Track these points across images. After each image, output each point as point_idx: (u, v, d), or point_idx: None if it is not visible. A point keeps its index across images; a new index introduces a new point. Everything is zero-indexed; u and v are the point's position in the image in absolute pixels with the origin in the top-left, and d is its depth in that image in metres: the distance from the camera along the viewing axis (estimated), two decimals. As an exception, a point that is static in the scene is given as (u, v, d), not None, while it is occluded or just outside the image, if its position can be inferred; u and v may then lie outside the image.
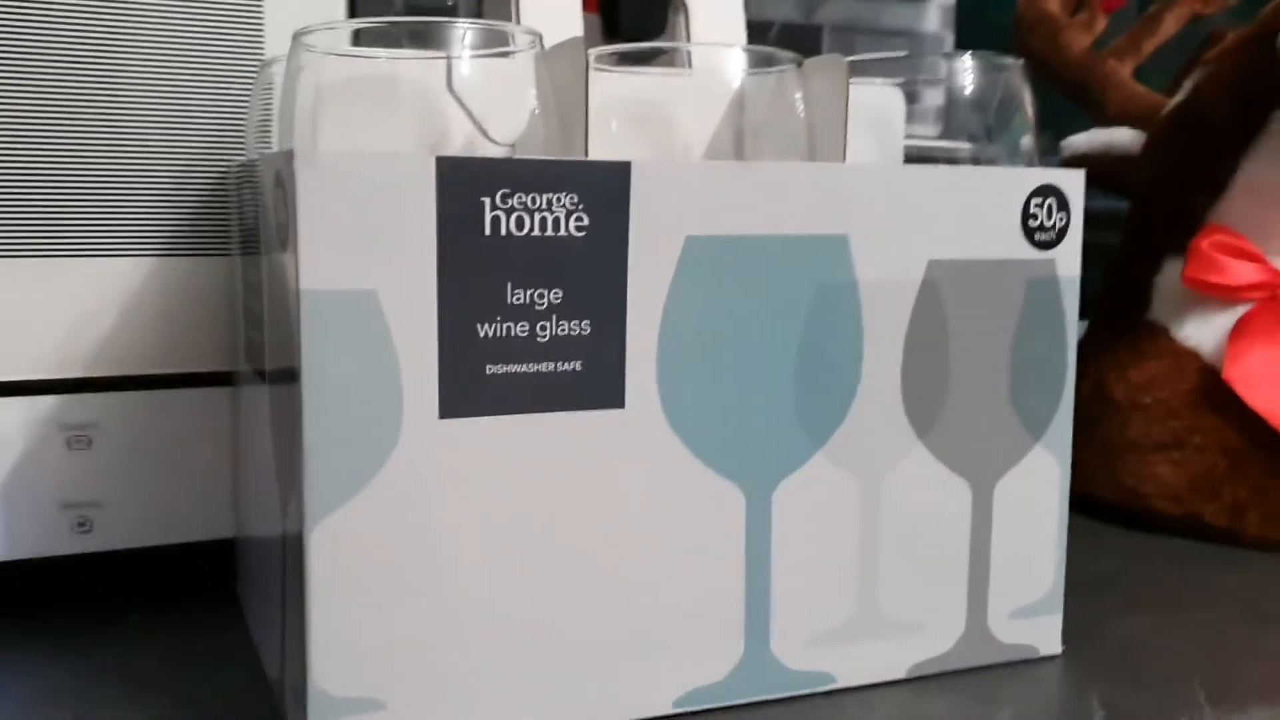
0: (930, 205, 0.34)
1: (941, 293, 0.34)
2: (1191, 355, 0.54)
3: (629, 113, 0.36)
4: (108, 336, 0.40)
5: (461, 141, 0.35)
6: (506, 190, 0.30)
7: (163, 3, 0.39)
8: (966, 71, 0.38)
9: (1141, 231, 0.60)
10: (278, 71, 0.35)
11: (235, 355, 0.40)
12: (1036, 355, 0.36)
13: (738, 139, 0.37)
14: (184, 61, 0.40)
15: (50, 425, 0.40)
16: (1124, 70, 0.64)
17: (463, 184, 0.29)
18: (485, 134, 0.36)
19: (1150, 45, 0.66)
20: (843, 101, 0.34)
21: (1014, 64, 0.38)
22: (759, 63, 0.36)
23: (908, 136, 0.41)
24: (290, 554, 0.30)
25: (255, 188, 0.34)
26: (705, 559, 0.33)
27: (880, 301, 0.34)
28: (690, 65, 0.38)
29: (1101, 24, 0.67)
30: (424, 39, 0.34)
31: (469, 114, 0.36)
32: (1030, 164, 0.38)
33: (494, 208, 0.29)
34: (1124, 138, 0.62)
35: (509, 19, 0.45)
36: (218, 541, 0.42)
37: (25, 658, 0.37)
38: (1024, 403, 0.36)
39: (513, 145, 0.36)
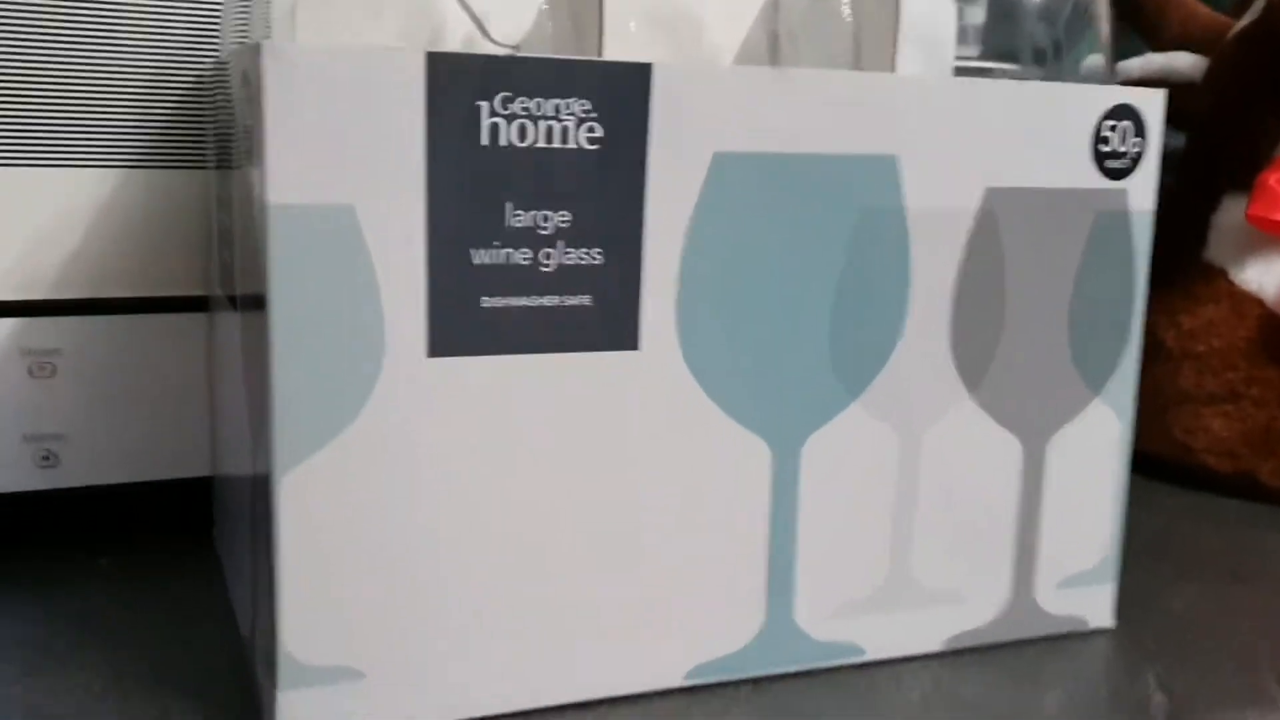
0: (990, 125, 0.30)
1: (999, 224, 0.31)
2: (1252, 300, 0.49)
3: (650, 11, 0.31)
4: (73, 255, 0.37)
5: (458, 41, 0.32)
6: (508, 94, 0.26)
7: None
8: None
9: (1199, 166, 0.55)
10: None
11: (210, 278, 0.36)
12: (1102, 299, 0.32)
13: (773, 45, 0.33)
14: (155, -52, 0.36)
15: (10, 351, 0.36)
16: (1186, -10, 0.60)
17: (457, 85, 0.25)
18: (485, 33, 0.32)
19: (1215, -37, 0.61)
20: (894, 6, 0.30)
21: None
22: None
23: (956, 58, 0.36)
24: (259, 503, 0.27)
25: (227, 91, 0.30)
26: (725, 518, 0.29)
27: (931, 233, 0.30)
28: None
29: (1162, -61, 0.61)
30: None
31: (467, 8, 0.32)
32: (1105, 82, 0.34)
33: (493, 114, 0.26)
34: (1183, 63, 0.58)
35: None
36: (196, 480, 0.39)
37: (-22, 604, 0.34)
38: (1084, 351, 0.32)
39: (516, 47, 0.32)
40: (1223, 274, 0.51)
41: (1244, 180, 0.51)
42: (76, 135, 0.36)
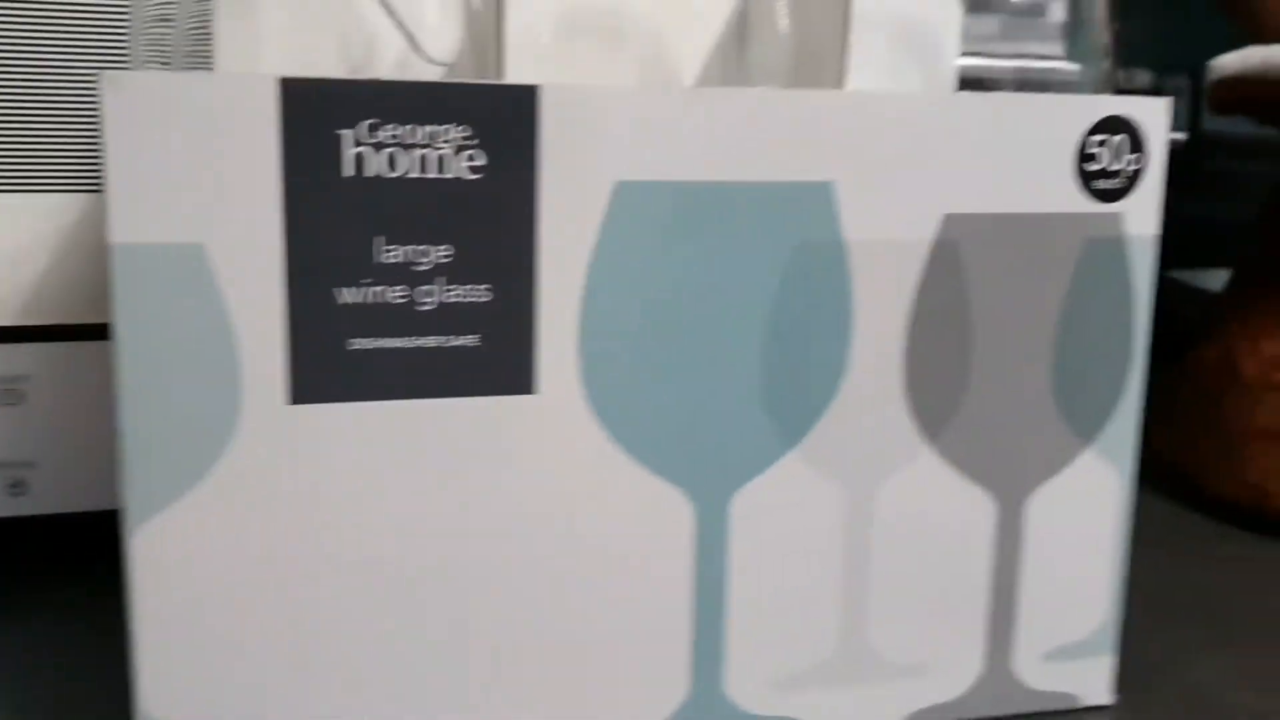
0: (947, 145, 0.26)
1: (962, 256, 0.27)
2: (1344, 326, 0.44)
3: (577, 21, 0.29)
4: (40, 281, 0.36)
5: (392, 60, 0.30)
6: (374, 120, 0.24)
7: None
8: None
9: (1297, 171, 0.49)
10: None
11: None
12: (1092, 335, 0.28)
13: (729, 67, 0.30)
14: (114, -32, 0.35)
15: (-17, 376, 0.36)
16: (1292, -25, 0.53)
17: (315, 113, 0.23)
18: (419, 50, 0.30)
19: (1328, -56, 0.55)
20: (842, 12, 0.27)
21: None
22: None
23: (985, 55, 0.33)
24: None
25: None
26: (641, 581, 0.27)
27: (877, 266, 0.27)
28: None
29: (1268, -81, 0.55)
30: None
31: (400, 25, 0.30)
32: (1099, 91, 0.30)
33: (357, 142, 0.24)
34: (1285, 57, 0.52)
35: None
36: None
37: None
38: (1072, 395, 0.28)
39: (451, 65, 0.30)
40: (1314, 295, 0.45)
41: (1344, 189, 0.45)
42: (42, 160, 0.35)
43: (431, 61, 0.30)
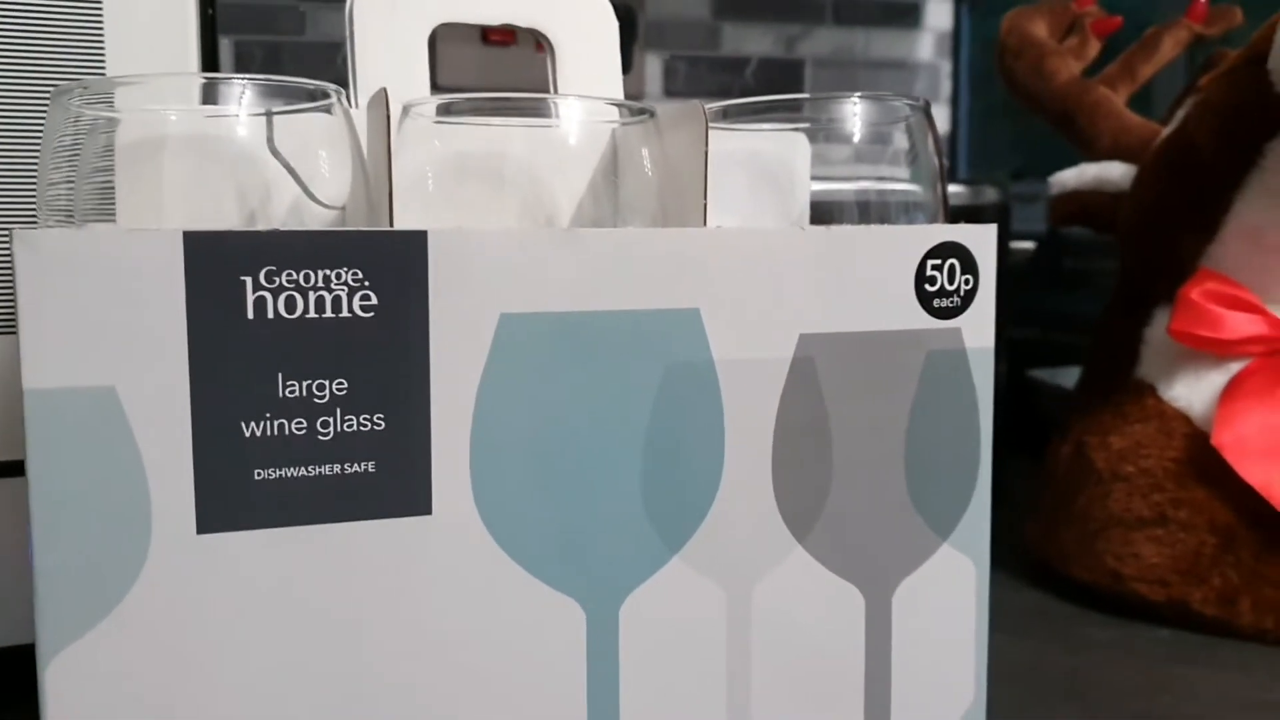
0: (799, 273, 0.29)
1: (818, 371, 0.30)
2: (1180, 418, 0.48)
3: (465, 169, 0.32)
4: (-60, 422, 0.37)
5: (288, 203, 0.32)
6: (272, 268, 0.26)
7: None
8: (857, 116, 0.33)
9: (1131, 278, 0.54)
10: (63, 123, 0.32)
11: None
12: (941, 440, 0.31)
13: (601, 204, 0.33)
14: (27, 92, 0.37)
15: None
16: (1118, 99, 0.59)
17: (217, 262, 0.25)
18: (311, 195, 0.32)
19: (1146, 71, 0.60)
20: (701, 155, 0.30)
21: (915, 105, 0.33)
22: (613, 113, 0.32)
23: (831, 179, 0.36)
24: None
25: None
26: (539, 689, 0.28)
27: (743, 383, 0.29)
28: (554, 115, 0.34)
29: (1095, 49, 0.61)
30: (236, 97, 0.31)
31: (292, 173, 0.32)
32: (934, 218, 0.33)
33: (257, 287, 0.25)
34: (1116, 173, 0.57)
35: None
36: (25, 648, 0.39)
37: None
38: (926, 496, 0.31)
39: (343, 208, 0.32)
40: (1152, 390, 0.49)
41: (1172, 293, 0.50)
42: (-58, 305, 0.36)
43: (323, 205, 0.32)
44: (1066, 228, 0.59)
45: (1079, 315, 0.75)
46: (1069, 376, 0.65)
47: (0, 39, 0.36)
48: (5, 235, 0.37)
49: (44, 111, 0.36)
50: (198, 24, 0.38)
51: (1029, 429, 0.65)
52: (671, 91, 0.79)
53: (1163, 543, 0.46)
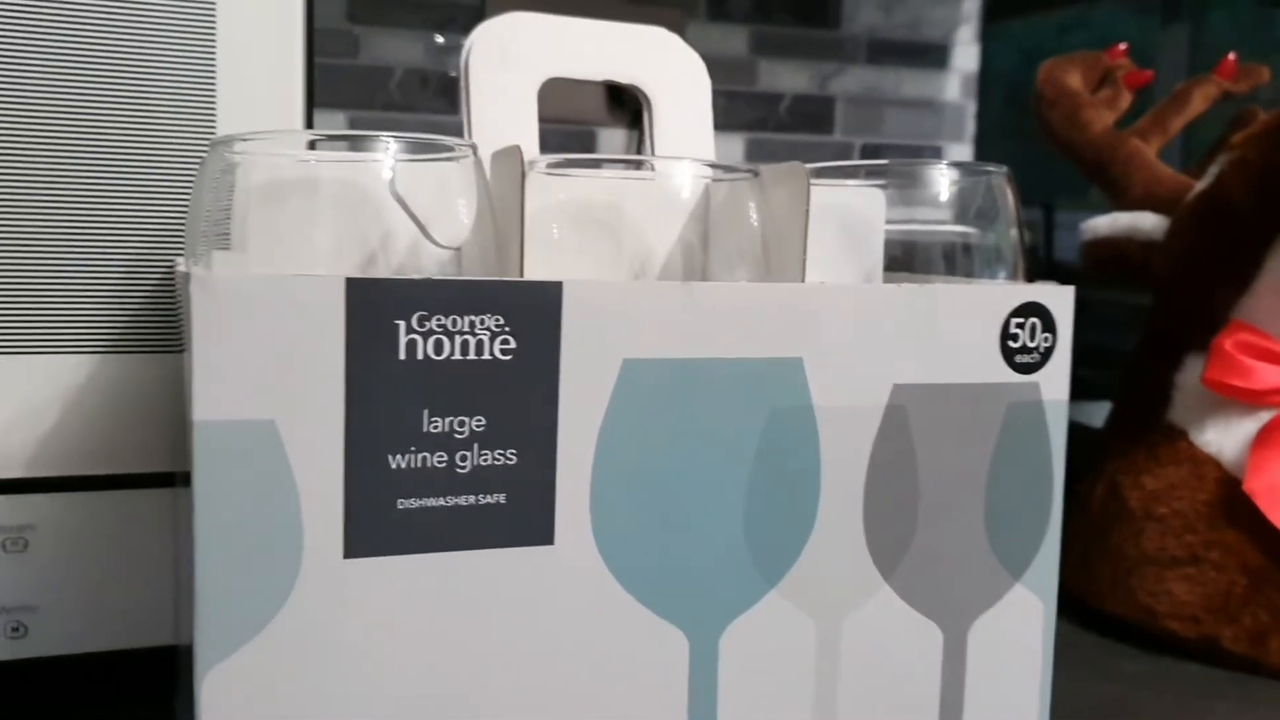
0: (895, 327, 0.31)
1: (909, 419, 0.32)
2: (1211, 463, 0.50)
3: (578, 218, 0.33)
4: (48, 435, 0.39)
5: (405, 244, 0.34)
6: (424, 313, 0.27)
7: (114, 88, 0.38)
8: (943, 179, 0.35)
9: (1163, 325, 0.56)
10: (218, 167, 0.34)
11: (175, 454, 0.38)
12: (1017, 486, 0.33)
13: (693, 251, 0.35)
14: (134, 149, 0.38)
15: (-14, 526, 0.38)
16: (1149, 150, 0.61)
17: (375, 307, 0.27)
18: (429, 236, 0.34)
19: (1177, 124, 0.63)
20: (802, 213, 0.32)
21: (997, 171, 0.35)
22: (720, 172, 0.34)
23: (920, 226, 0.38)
24: (193, 694, 0.28)
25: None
26: (644, 710, 0.30)
27: (839, 428, 0.31)
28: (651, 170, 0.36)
29: (1127, 100, 0.64)
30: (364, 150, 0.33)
31: (412, 216, 0.34)
32: (1014, 275, 0.35)
33: (410, 330, 0.27)
34: (1148, 223, 0.59)
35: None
36: (163, 649, 0.40)
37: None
38: (1003, 538, 0.33)
39: (459, 249, 0.34)
40: (1184, 435, 0.52)
41: (1204, 341, 0.52)
42: (55, 324, 0.38)
43: (441, 247, 0.34)
44: (1100, 274, 0.62)
45: (1096, 348, 0.77)
46: (1089, 411, 0.67)
47: (134, 94, 0.38)
48: (159, 264, 0.39)
49: (170, 157, 0.38)
50: (304, 80, 0.40)
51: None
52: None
53: (1195, 581, 0.48)
